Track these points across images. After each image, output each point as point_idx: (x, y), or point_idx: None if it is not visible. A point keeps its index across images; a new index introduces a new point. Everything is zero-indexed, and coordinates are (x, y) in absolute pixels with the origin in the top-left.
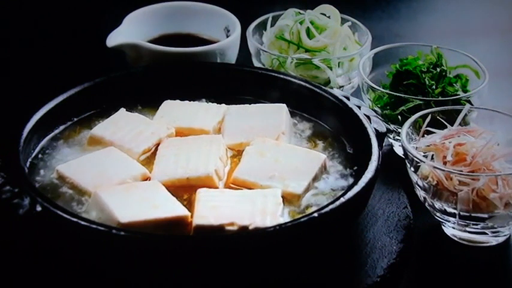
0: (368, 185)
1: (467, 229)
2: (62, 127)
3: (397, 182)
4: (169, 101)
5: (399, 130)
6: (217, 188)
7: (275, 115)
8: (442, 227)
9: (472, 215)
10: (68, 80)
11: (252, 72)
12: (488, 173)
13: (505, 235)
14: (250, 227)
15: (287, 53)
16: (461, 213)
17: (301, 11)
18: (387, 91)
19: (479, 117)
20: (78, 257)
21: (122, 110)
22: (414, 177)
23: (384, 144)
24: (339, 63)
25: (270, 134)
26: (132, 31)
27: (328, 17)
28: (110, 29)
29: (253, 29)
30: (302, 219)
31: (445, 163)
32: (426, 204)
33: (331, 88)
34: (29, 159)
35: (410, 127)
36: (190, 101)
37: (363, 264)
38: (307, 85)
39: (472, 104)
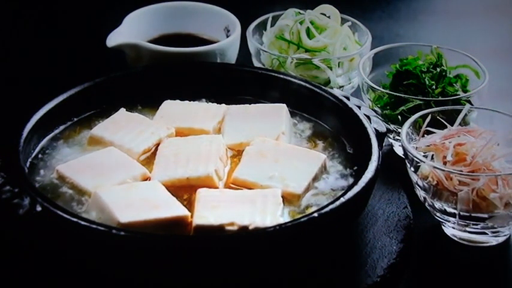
0: (368, 185)
1: (467, 229)
2: (62, 127)
3: (397, 182)
4: (169, 101)
5: (399, 130)
6: (217, 188)
7: (275, 115)
8: (442, 227)
9: (472, 215)
10: (68, 80)
11: (252, 72)
12: (488, 173)
13: (505, 235)
14: (250, 227)
15: (287, 53)
16: (461, 213)
17: (301, 11)
18: (387, 91)
19: (479, 117)
20: (78, 257)
21: (122, 110)
22: (414, 177)
23: (384, 144)
24: (339, 63)
25: (270, 134)
26: (132, 31)
27: (328, 17)
28: (110, 29)
29: (253, 29)
30: (302, 219)
31: (445, 163)
32: (426, 204)
33: (331, 88)
34: (29, 159)
35: (410, 127)
36: (190, 101)
37: (363, 264)
38: (307, 85)
39: (472, 104)
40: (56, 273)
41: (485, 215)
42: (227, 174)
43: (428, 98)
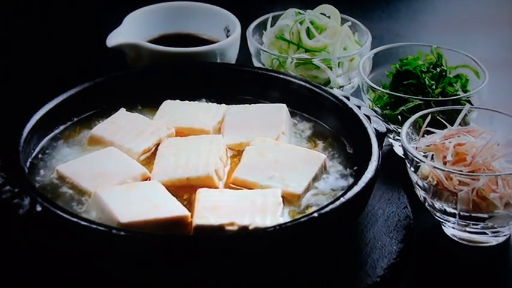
0: (368, 185)
1: (467, 229)
2: (62, 127)
3: (397, 182)
4: (169, 101)
5: (399, 130)
6: (217, 188)
7: (275, 115)
8: (442, 227)
9: (472, 215)
10: (68, 80)
11: (252, 72)
12: (488, 173)
13: (505, 235)
14: (250, 227)
15: (287, 53)
16: (461, 213)
17: (301, 11)
18: (387, 91)
19: (479, 117)
20: (78, 257)
21: (122, 110)
22: (414, 177)
23: (384, 144)
24: (339, 63)
25: (270, 134)
26: (132, 31)
27: (328, 17)
28: (110, 29)
29: (253, 29)
30: (302, 219)
31: (445, 163)
32: (426, 204)
33: (331, 88)
34: (29, 159)
35: (410, 127)
36: (190, 101)
37: (363, 264)
38: (307, 85)
39: (472, 104)
40: (56, 273)
41: (485, 215)
42: (227, 174)
43: (428, 98)
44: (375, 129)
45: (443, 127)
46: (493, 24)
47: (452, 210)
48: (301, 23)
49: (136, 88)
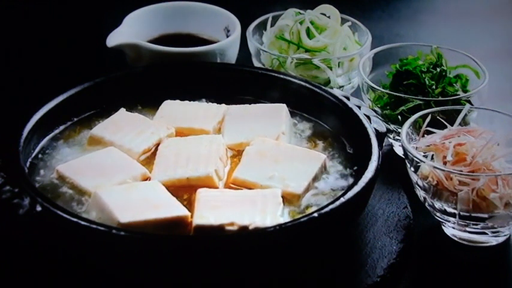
0: (368, 185)
1: (467, 229)
2: (62, 127)
3: (397, 182)
4: (169, 101)
5: (399, 130)
6: (217, 188)
7: (275, 115)
8: (442, 227)
9: (472, 215)
10: (68, 80)
11: (252, 72)
12: (488, 173)
13: (505, 235)
14: (250, 227)
15: (287, 53)
16: (461, 213)
17: (301, 11)
18: (387, 91)
19: (479, 117)
20: (78, 257)
21: (122, 110)
22: (414, 177)
23: (384, 144)
24: (339, 63)
25: (270, 134)
26: (132, 31)
27: (328, 17)
28: (110, 29)
29: (253, 29)
30: (302, 219)
31: (445, 163)
32: (426, 204)
33: (331, 88)
34: (29, 159)
35: (410, 127)
36: (190, 101)
37: (363, 264)
38: (307, 85)
39: (472, 104)
40: (56, 273)
41: (485, 215)
42: (227, 174)
43: (428, 98)
44: (375, 129)
45: (443, 127)
46: (494, 24)
47: (452, 210)
48: (301, 23)
49: (136, 88)
